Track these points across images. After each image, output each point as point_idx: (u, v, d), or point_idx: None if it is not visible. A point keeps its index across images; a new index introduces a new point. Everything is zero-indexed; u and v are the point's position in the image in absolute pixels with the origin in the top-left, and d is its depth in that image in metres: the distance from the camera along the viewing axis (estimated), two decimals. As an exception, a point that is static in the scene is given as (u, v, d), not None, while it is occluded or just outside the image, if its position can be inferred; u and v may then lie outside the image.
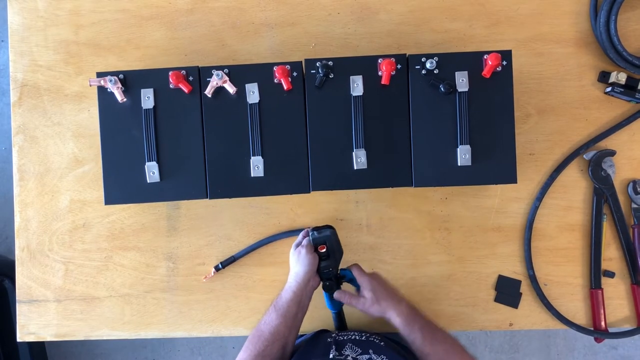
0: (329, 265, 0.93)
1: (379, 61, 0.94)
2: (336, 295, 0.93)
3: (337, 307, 0.98)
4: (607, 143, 1.09)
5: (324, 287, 0.95)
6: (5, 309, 1.69)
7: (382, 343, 0.87)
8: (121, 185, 0.96)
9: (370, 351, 0.81)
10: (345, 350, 0.83)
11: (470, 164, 0.93)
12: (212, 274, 1.09)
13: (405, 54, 0.95)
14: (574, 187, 1.09)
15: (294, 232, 1.09)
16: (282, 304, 0.89)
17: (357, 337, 0.89)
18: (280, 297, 0.90)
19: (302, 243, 0.95)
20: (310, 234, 0.95)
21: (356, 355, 0.81)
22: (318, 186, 0.96)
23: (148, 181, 0.95)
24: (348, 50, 1.10)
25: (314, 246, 0.94)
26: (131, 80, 0.96)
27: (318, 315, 1.09)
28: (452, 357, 0.84)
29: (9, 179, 1.21)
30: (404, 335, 0.86)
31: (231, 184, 0.96)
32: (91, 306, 1.12)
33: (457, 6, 1.09)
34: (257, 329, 0.87)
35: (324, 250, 0.93)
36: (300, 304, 0.89)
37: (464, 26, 1.09)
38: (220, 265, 1.09)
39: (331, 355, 0.80)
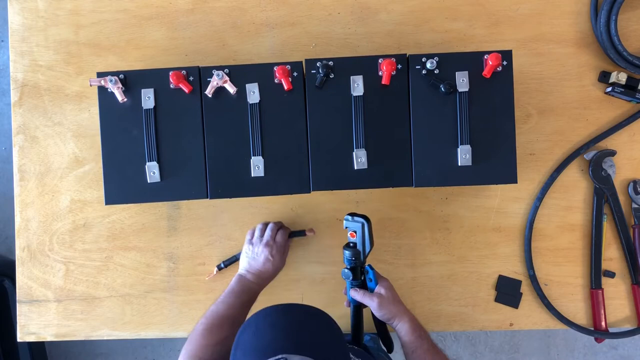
0: (354, 254, 0.92)
1: (380, 61, 0.94)
2: (351, 293, 0.93)
3: (355, 301, 0.97)
4: (608, 143, 1.09)
5: (342, 273, 0.94)
6: (6, 309, 1.69)
7: (356, 347, 0.90)
8: (121, 185, 0.96)
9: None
10: None
11: (470, 164, 0.93)
12: (215, 273, 1.09)
13: (405, 54, 0.95)
14: (575, 187, 1.09)
15: (296, 234, 1.09)
16: (247, 300, 0.93)
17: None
18: (249, 289, 0.94)
19: (278, 243, 0.97)
20: (345, 217, 0.94)
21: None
22: (318, 186, 0.96)
23: (148, 181, 0.95)
24: (348, 50, 1.10)
25: (349, 228, 0.94)
26: (131, 80, 0.96)
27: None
28: None
29: (9, 179, 1.21)
30: (408, 342, 0.87)
31: (231, 184, 0.96)
32: (91, 306, 1.12)
33: (457, 6, 1.09)
34: (216, 317, 0.88)
35: (354, 238, 0.93)
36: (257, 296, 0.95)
37: (464, 26, 1.09)
38: (222, 265, 1.09)
39: None
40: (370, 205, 1.10)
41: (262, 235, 1.01)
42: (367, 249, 0.93)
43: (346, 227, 0.95)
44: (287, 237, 1.01)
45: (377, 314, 0.91)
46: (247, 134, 0.95)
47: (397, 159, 0.95)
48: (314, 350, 0.60)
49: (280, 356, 0.58)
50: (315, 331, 0.65)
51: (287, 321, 0.66)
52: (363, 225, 0.93)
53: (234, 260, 1.09)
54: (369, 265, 0.95)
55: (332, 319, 0.68)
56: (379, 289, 0.92)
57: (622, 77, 1.04)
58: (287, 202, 1.10)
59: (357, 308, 0.97)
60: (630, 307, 1.08)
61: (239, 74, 0.95)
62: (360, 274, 0.94)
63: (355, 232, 0.93)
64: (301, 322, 0.66)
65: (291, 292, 1.09)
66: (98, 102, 0.96)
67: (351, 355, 0.81)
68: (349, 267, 0.93)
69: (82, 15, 1.12)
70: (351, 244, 0.93)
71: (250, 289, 0.95)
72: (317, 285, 1.09)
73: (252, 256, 0.99)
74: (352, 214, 0.95)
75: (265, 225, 1.03)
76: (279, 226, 1.03)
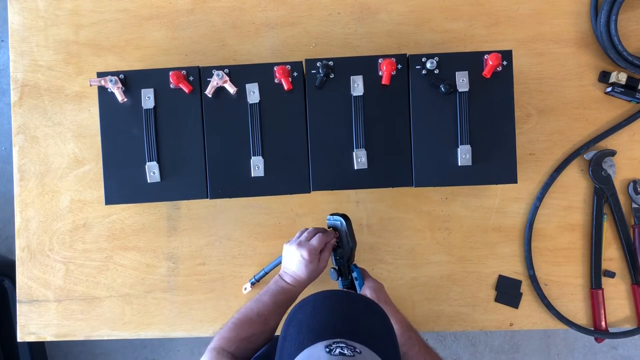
0: (338, 253, 0.94)
1: (380, 61, 0.94)
2: None
3: None
4: (608, 143, 1.09)
5: (330, 273, 0.95)
6: (6, 309, 1.69)
7: None
8: (121, 185, 0.96)
9: None
10: None
11: (470, 164, 0.93)
12: (250, 289, 1.09)
13: (405, 54, 0.95)
14: (575, 187, 1.09)
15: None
16: (282, 301, 0.89)
17: None
18: (285, 290, 0.91)
19: (312, 244, 0.91)
20: (327, 218, 0.96)
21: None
22: (318, 186, 0.96)
23: (148, 181, 0.96)
24: (348, 50, 1.10)
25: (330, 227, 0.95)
26: (131, 80, 0.96)
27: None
28: None
29: (9, 179, 1.21)
30: (401, 343, 0.85)
31: (231, 184, 0.96)
32: (91, 306, 1.12)
33: (457, 6, 1.09)
34: (248, 314, 0.87)
35: (338, 236, 0.95)
36: (293, 301, 0.91)
37: (464, 26, 1.09)
38: (254, 280, 1.09)
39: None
40: (370, 205, 1.10)
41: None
42: (349, 246, 0.94)
43: (330, 227, 0.96)
44: (323, 243, 0.93)
45: None
46: (247, 134, 0.95)
47: (397, 159, 0.95)
48: (370, 340, 0.59)
49: (339, 339, 0.57)
50: (372, 322, 0.65)
51: (345, 307, 0.65)
52: (341, 223, 0.94)
53: (263, 274, 1.08)
54: (354, 265, 0.95)
55: (390, 320, 0.68)
56: (364, 290, 0.92)
57: (622, 77, 1.04)
58: (287, 202, 1.10)
59: None
60: (630, 307, 1.08)
61: (239, 74, 0.95)
62: (348, 273, 0.95)
63: (336, 231, 0.95)
64: (359, 310, 0.66)
65: (291, 292, 1.09)
66: (98, 102, 0.96)
67: None
68: (335, 267, 0.95)
69: (82, 15, 1.12)
70: (338, 242, 0.95)
71: (286, 290, 0.91)
72: (317, 285, 1.09)
73: (286, 255, 0.95)
74: (333, 214, 0.96)
75: (307, 230, 1.00)
76: (320, 231, 0.97)
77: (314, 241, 0.91)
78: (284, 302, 0.91)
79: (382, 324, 0.65)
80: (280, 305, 0.90)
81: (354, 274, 0.95)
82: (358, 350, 0.56)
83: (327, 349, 0.56)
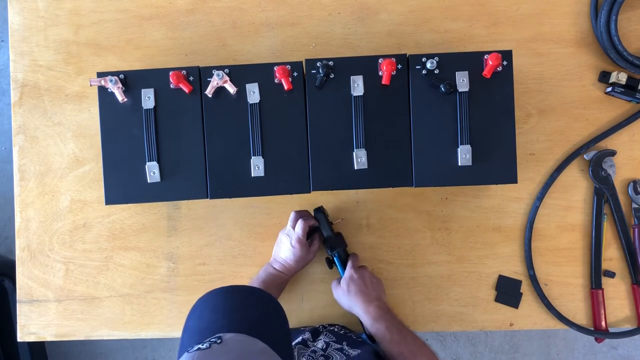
0: (324, 245, 1.02)
1: (380, 61, 0.94)
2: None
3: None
4: (608, 143, 1.09)
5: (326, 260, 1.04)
6: (6, 309, 1.69)
7: (359, 339, 0.91)
8: (121, 185, 0.96)
9: (344, 343, 0.83)
10: (320, 337, 0.88)
11: (470, 164, 0.93)
12: None
13: (405, 54, 0.95)
14: (575, 187, 1.09)
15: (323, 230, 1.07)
16: (271, 287, 0.95)
17: (336, 330, 0.93)
18: (274, 277, 0.96)
19: (296, 233, 0.97)
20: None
21: (329, 340, 0.85)
22: (318, 186, 0.96)
23: (148, 181, 0.95)
24: (348, 50, 1.10)
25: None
26: (132, 80, 0.96)
27: (318, 315, 1.09)
28: (418, 358, 0.85)
29: (9, 179, 1.22)
30: (372, 334, 0.90)
31: (231, 184, 0.96)
32: (91, 306, 1.12)
33: (457, 6, 1.09)
34: None
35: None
36: (283, 288, 1.00)
37: (464, 26, 1.09)
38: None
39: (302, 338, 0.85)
40: (370, 205, 1.10)
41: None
42: (322, 237, 1.00)
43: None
44: (306, 228, 0.98)
45: (338, 302, 0.97)
46: (247, 134, 0.95)
47: (397, 159, 0.95)
48: (249, 327, 0.62)
49: (214, 337, 0.59)
50: (252, 310, 0.67)
51: (226, 303, 0.68)
52: (316, 217, 1.01)
53: None
54: (336, 254, 1.00)
55: (276, 300, 0.71)
56: (342, 281, 0.97)
57: (622, 77, 1.04)
58: (287, 202, 1.10)
59: None
60: (630, 307, 1.08)
61: (239, 74, 0.95)
62: (331, 261, 1.02)
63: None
64: (240, 302, 0.68)
65: (291, 292, 1.09)
66: (98, 102, 0.96)
67: (345, 345, 0.82)
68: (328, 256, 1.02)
69: (82, 15, 1.12)
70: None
71: (275, 276, 0.97)
72: (317, 285, 1.09)
73: (277, 243, 1.02)
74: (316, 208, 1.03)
75: (296, 214, 1.03)
76: (300, 216, 1.01)
77: (298, 228, 0.97)
78: (274, 288, 0.96)
79: (264, 310, 0.68)
80: (271, 291, 0.94)
81: (336, 264, 1.01)
82: (219, 341, 0.57)
83: (190, 349, 0.57)
